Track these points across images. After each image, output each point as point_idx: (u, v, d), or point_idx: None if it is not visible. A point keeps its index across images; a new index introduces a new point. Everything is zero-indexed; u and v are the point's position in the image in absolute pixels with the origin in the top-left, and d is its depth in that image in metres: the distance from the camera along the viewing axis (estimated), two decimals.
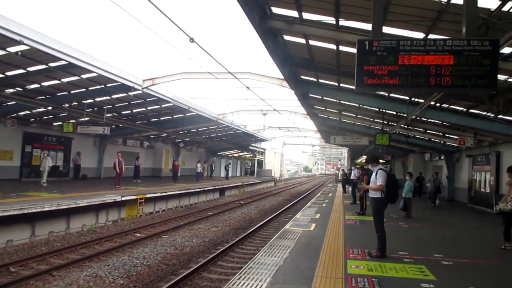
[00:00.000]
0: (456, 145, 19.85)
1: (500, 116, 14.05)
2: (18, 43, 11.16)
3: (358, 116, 21.30)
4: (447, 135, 20.56)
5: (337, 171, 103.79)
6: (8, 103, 18.93)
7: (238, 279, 5.81)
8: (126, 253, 11.14)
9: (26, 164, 22.19)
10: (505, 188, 16.66)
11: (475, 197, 20.33)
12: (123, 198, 15.97)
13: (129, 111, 24.18)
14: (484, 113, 14.29)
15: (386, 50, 5.30)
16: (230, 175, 42.36)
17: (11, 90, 17.19)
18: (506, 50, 8.19)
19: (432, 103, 13.13)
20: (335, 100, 17.99)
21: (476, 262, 7.52)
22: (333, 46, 10.57)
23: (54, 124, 24.12)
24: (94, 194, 15.70)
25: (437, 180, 19.22)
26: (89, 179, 25.53)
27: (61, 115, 21.99)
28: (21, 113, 21.02)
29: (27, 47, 11.89)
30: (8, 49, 12.44)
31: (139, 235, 13.74)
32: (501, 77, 9.90)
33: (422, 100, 13.28)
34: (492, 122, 14.44)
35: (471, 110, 14.51)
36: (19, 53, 12.49)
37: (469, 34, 5.26)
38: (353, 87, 5.63)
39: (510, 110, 12.63)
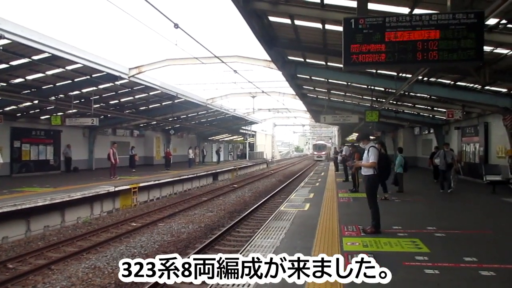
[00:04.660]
0: (444, 118, 19.97)
1: (487, 87, 14.17)
2: None
3: (347, 94, 21.32)
4: (435, 108, 20.70)
5: (315, 153, 67.47)
6: None
7: None
8: (123, 243, 11.19)
9: (16, 160, 21.98)
10: (494, 158, 17.02)
11: (464, 168, 20.61)
12: (117, 189, 15.95)
13: (117, 101, 23.94)
14: (471, 85, 14.39)
15: (373, 27, 5.29)
16: (222, 159, 42.36)
17: None
18: (491, 21, 8.21)
19: (420, 77, 13.18)
20: (323, 79, 17.97)
21: (469, 233, 7.68)
22: (319, 25, 10.51)
23: (42, 118, 23.82)
24: (87, 186, 15.64)
25: (448, 155, 14.07)
26: (81, 171, 25.41)
27: (48, 108, 21.71)
28: (7, 109, 20.71)
29: (8, 41, 11.63)
30: None
31: (135, 224, 13.78)
32: (486, 48, 9.95)
33: (409, 75, 13.32)
34: (479, 94, 14.57)
35: (458, 83, 14.60)
36: (1, 47, 12.21)
37: (454, 6, 5.27)
38: (341, 66, 5.66)
39: (496, 81, 12.76)
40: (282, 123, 61.07)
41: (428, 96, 17.94)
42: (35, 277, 8.40)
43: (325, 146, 66.73)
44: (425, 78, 14.48)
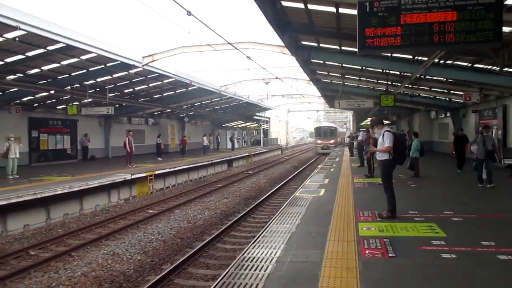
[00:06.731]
0: (462, 101, 19.65)
1: (505, 69, 13.83)
2: (15, 28, 11.06)
3: (361, 78, 21.07)
4: (452, 91, 20.34)
5: (318, 141, 45.75)
6: (11, 90, 18.92)
7: (253, 247, 5.93)
8: (140, 229, 11.37)
9: (34, 149, 22.38)
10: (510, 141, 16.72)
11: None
12: (133, 176, 16.15)
13: (131, 89, 24.11)
14: (489, 67, 14.07)
15: (388, 10, 5.21)
16: (236, 146, 42.46)
17: (12, 77, 17.16)
18: (510, 1, 8.00)
19: (436, 60, 12.95)
20: (337, 64, 17.77)
21: (485, 217, 7.59)
22: (333, 9, 10.36)
23: (58, 107, 24.16)
24: (104, 174, 15.89)
25: (489, 140, 11.29)
26: (98, 160, 25.79)
27: (64, 98, 21.96)
28: (24, 99, 21.02)
29: (24, 32, 11.76)
30: (5, 35, 12.32)
31: (151, 211, 13.98)
32: (505, 29, 9.69)
33: (425, 58, 13.09)
34: (498, 76, 14.24)
35: (476, 65, 14.29)
36: (17, 38, 12.38)
37: None
38: (355, 50, 5.60)
39: None
40: (296, 109, 60.79)
41: (445, 79, 17.62)
42: (56, 263, 8.61)
43: (335, 131, 46.21)
44: (442, 61, 14.21)
